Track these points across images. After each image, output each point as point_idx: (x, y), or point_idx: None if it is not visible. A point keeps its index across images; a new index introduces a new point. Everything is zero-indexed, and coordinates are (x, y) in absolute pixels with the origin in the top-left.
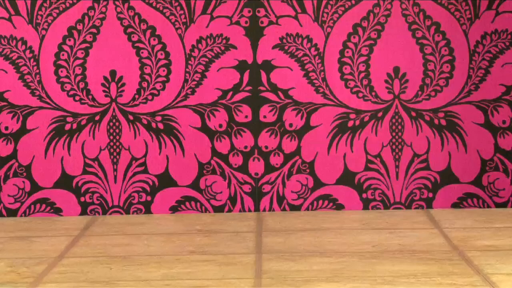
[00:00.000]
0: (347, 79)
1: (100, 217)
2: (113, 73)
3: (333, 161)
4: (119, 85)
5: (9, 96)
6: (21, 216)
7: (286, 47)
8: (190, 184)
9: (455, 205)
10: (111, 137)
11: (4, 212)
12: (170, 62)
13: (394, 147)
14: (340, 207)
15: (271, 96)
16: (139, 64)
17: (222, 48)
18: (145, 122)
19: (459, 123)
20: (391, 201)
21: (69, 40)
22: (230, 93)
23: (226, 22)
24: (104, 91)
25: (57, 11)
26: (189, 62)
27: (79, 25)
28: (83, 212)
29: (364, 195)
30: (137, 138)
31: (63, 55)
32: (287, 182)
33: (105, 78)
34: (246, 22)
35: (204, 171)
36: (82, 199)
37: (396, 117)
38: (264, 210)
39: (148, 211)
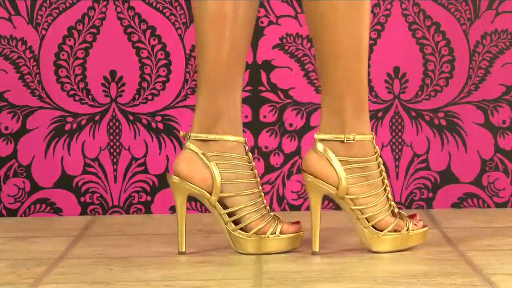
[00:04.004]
0: None
1: (100, 217)
2: (113, 73)
3: None
4: (119, 85)
5: (9, 96)
6: (21, 216)
7: (286, 47)
8: None
9: (455, 205)
10: (111, 137)
11: (4, 212)
12: (170, 62)
13: (394, 147)
14: (339, 207)
15: (271, 96)
16: (139, 64)
17: None
18: (145, 122)
19: (459, 123)
20: None
21: (69, 40)
22: None
23: None
24: (104, 91)
25: (57, 11)
26: (189, 62)
27: (79, 25)
28: (83, 212)
29: None
30: (137, 138)
31: (63, 55)
32: (287, 182)
33: (105, 78)
34: None
35: None
36: (82, 199)
37: (396, 117)
38: None
39: (148, 211)
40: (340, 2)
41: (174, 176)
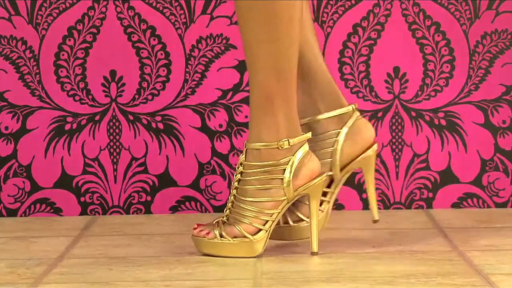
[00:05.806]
0: (347, 79)
1: (100, 217)
2: (113, 73)
3: None
4: (119, 85)
5: (9, 96)
6: (21, 216)
7: None
8: (190, 184)
9: (455, 205)
10: (111, 137)
11: (4, 212)
12: (170, 62)
13: (394, 147)
14: (340, 207)
15: None
16: (139, 64)
17: (222, 48)
18: (145, 122)
19: (459, 123)
20: (391, 201)
21: (69, 40)
22: (230, 93)
23: (226, 22)
24: (104, 91)
25: (57, 11)
26: (189, 62)
27: (79, 25)
28: (83, 212)
29: (364, 195)
30: (137, 138)
31: (63, 55)
32: None
33: (105, 78)
34: None
35: (204, 171)
36: (82, 199)
37: (396, 117)
38: None
39: (148, 211)
40: None
41: (322, 175)
